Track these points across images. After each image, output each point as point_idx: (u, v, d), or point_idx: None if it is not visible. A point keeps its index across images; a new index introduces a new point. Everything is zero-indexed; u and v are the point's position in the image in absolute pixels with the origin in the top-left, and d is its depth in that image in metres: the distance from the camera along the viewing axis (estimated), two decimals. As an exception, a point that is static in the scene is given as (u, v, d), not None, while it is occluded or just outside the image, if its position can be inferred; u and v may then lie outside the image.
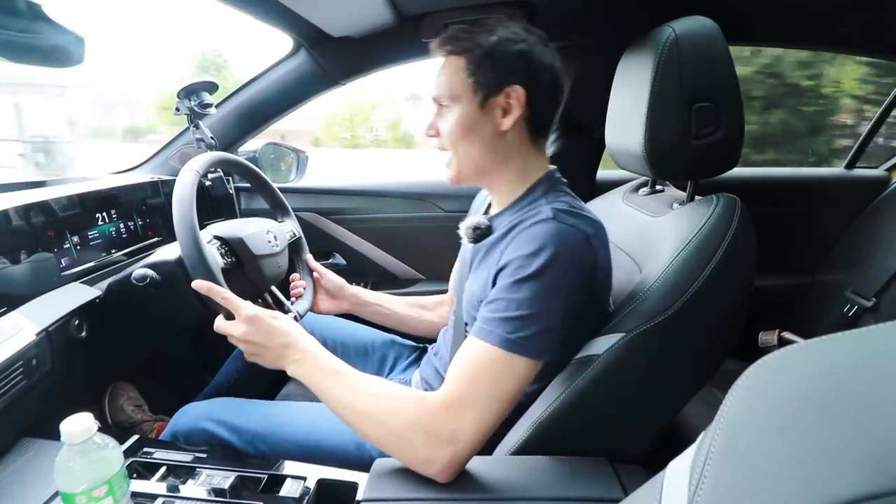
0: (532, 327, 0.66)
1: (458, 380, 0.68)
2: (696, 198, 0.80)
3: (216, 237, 0.95)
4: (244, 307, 0.77)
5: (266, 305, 1.09)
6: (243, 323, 0.76)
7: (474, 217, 0.85)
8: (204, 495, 0.73)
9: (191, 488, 0.74)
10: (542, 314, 0.66)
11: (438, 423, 0.65)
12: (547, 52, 0.77)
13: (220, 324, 0.79)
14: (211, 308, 0.80)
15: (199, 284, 0.79)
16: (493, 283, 0.72)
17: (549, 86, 0.77)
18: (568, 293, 0.68)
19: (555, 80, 0.78)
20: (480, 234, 0.82)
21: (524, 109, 0.76)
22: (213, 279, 0.81)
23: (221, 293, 0.78)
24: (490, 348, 0.67)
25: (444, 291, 1.22)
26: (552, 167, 0.84)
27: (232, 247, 0.96)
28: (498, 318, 0.67)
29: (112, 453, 0.60)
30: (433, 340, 1.12)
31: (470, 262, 0.87)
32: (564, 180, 0.83)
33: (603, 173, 1.54)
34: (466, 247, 0.89)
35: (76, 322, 0.90)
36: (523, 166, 0.81)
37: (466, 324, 0.84)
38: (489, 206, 0.91)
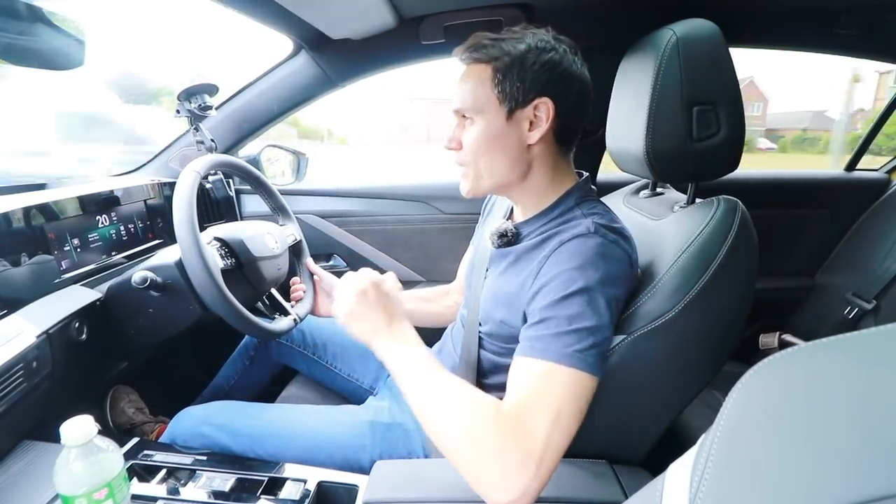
0: (586, 341, 0.64)
1: (521, 402, 0.62)
2: (697, 200, 0.80)
3: (216, 238, 0.95)
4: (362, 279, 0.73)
5: (266, 308, 1.10)
6: (356, 294, 0.71)
7: (501, 222, 0.83)
8: (204, 498, 0.73)
9: (191, 491, 0.74)
10: (594, 328, 0.64)
11: (520, 434, 0.59)
12: (576, 62, 0.74)
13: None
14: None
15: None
16: (533, 298, 0.69)
17: (578, 97, 0.75)
18: (614, 306, 0.67)
19: (583, 91, 0.75)
20: (507, 241, 0.81)
21: (552, 122, 0.73)
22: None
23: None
24: (548, 364, 0.63)
25: (445, 293, 1.22)
26: (585, 174, 0.82)
27: (232, 248, 0.96)
28: (551, 335, 0.64)
29: (112, 456, 0.60)
30: (434, 337, 1.12)
31: (490, 264, 0.85)
32: (594, 188, 0.82)
33: (603, 175, 1.54)
34: (485, 248, 0.87)
35: (76, 324, 0.90)
36: (549, 177, 0.79)
37: (481, 323, 0.84)
38: (511, 210, 0.89)
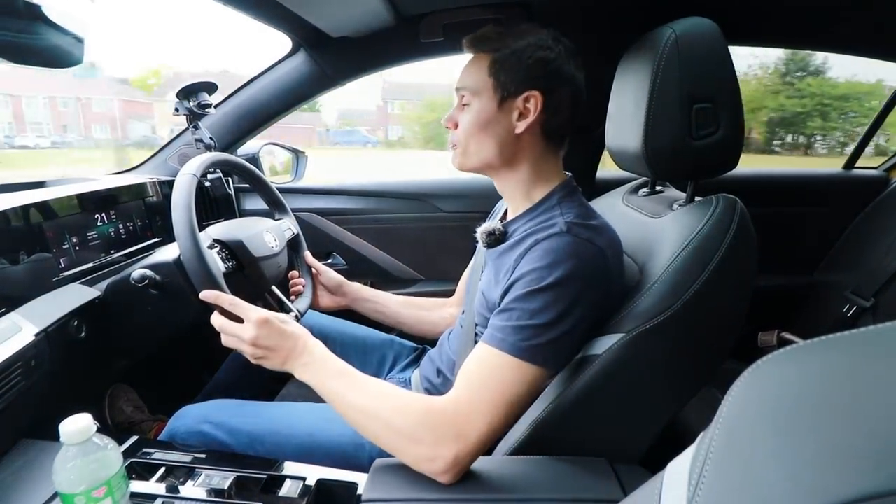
0: (544, 336, 0.67)
1: (467, 384, 0.69)
2: (696, 198, 0.80)
3: (216, 241, 0.95)
4: (254, 310, 0.78)
5: (266, 305, 1.09)
6: (254, 327, 0.76)
7: (490, 222, 0.86)
8: (203, 496, 0.73)
9: (190, 489, 0.74)
10: (555, 324, 0.68)
11: (445, 422, 0.66)
12: (571, 65, 0.78)
13: (230, 328, 0.78)
14: (211, 309, 0.80)
15: (206, 295, 0.80)
16: (505, 292, 0.73)
17: (568, 97, 0.78)
18: (581, 306, 0.69)
19: (575, 93, 0.79)
20: (495, 239, 0.83)
21: (539, 116, 0.77)
22: (218, 287, 0.81)
23: (229, 300, 0.79)
24: (501, 355, 0.68)
25: (444, 291, 1.23)
26: (568, 175, 0.85)
27: (232, 250, 0.96)
28: (511, 327, 0.68)
29: (111, 454, 0.60)
30: (432, 341, 1.12)
31: (483, 266, 0.88)
32: (580, 188, 0.84)
33: (602, 173, 1.54)
34: (481, 250, 0.90)
35: (75, 323, 0.90)
36: (534, 170, 0.82)
37: (477, 324, 0.85)
38: (506, 211, 0.92)
